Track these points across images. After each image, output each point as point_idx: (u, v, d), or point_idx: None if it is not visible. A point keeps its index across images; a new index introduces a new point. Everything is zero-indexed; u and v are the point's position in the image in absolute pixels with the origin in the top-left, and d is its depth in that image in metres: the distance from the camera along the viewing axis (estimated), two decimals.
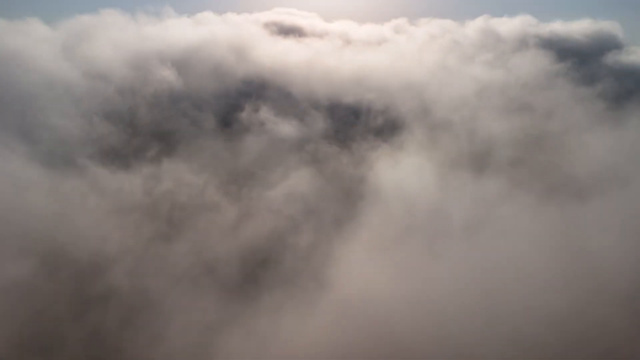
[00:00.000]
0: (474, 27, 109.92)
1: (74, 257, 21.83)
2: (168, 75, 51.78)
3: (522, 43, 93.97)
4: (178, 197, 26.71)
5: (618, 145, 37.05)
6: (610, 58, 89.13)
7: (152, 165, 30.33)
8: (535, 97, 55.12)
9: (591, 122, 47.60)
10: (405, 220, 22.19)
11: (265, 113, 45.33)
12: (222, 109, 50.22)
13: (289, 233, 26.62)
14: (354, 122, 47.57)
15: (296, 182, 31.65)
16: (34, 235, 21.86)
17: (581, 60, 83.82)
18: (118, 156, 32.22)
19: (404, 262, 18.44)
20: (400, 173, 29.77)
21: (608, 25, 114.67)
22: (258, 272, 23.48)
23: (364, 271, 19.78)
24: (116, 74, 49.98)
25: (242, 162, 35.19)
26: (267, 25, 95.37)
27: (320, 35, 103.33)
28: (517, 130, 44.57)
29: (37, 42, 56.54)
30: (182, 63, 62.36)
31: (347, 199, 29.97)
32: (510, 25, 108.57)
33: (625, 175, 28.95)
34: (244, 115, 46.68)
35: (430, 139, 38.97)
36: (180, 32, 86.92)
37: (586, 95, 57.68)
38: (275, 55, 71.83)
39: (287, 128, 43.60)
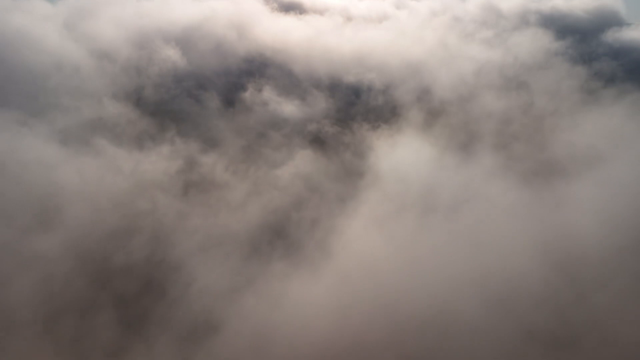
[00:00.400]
0: (475, 2, 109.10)
1: (99, 230, 23.98)
2: (172, 54, 52.77)
3: (523, 20, 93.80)
4: (190, 175, 28.67)
5: (608, 125, 38.74)
6: (610, 35, 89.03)
7: (164, 144, 32.14)
8: (533, 76, 56.34)
9: (585, 102, 49.15)
10: (401, 197, 24.26)
11: (268, 93, 46.70)
12: (225, 88, 51.53)
13: (294, 208, 28.75)
14: (354, 102, 49.05)
15: (300, 161, 33.62)
16: (61, 210, 23.90)
17: (581, 37, 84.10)
18: (130, 136, 33.98)
19: (399, 234, 20.58)
20: (397, 153, 31.70)
21: (610, 1, 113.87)
22: (267, 244, 25.67)
23: (363, 242, 21.97)
24: (121, 53, 51.09)
25: (247, 141, 36.98)
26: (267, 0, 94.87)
27: (321, 11, 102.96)
28: (513, 109, 46.24)
29: (41, 21, 57.18)
30: (184, 41, 62.99)
31: (348, 177, 31.97)
32: (512, 1, 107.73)
33: (611, 154, 30.79)
34: (248, 95, 48.06)
35: (427, 119, 40.71)
36: (180, 8, 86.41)
37: (581, 74, 58.84)
38: (277, 32, 72.04)
39: (289, 108, 45.14)
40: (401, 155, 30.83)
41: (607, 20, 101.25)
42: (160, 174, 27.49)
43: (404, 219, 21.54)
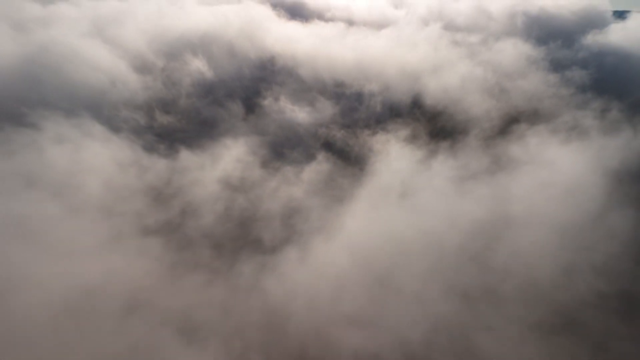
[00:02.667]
0: (467, 3, 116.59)
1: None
2: (201, 65, 62.01)
3: (511, 22, 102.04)
4: (234, 172, 38.23)
5: (564, 129, 48.08)
6: (591, 38, 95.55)
7: (211, 147, 41.63)
8: (511, 83, 65.53)
9: (553, 108, 58.39)
10: (393, 189, 33.87)
11: (284, 102, 56.06)
12: (245, 96, 60.91)
13: (308, 198, 38.42)
14: (357, 108, 58.53)
15: (315, 160, 43.36)
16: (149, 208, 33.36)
17: (564, 41, 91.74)
18: (181, 141, 43.55)
19: (387, 216, 30.08)
20: (391, 155, 41.35)
21: (597, 1, 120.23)
22: (289, 226, 35.22)
23: (362, 223, 31.55)
24: (157, 65, 60.49)
25: (271, 144, 46.58)
26: (274, 5, 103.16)
27: (325, 17, 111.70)
28: (491, 112, 55.66)
29: (74, 30, 66.05)
30: (206, 51, 72.15)
31: (353, 174, 41.63)
32: (501, 3, 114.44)
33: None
34: (267, 102, 57.44)
35: (415, 124, 50.37)
36: (195, 14, 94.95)
37: (556, 81, 67.95)
38: (286, 40, 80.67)
39: (302, 115, 54.58)
40: (393, 157, 40.51)
41: (592, 22, 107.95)
42: (218, 171, 36.88)
43: (393, 206, 31.04)
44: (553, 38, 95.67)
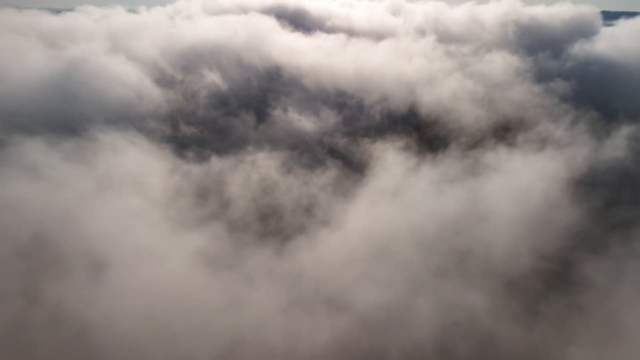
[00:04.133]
0: (461, 14, 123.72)
1: None
2: (215, 78, 69.61)
3: (503, 32, 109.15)
4: (254, 174, 45.91)
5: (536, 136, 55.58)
6: (578, 47, 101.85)
7: (234, 154, 49.35)
8: (499, 94, 73.11)
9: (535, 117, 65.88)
10: (388, 190, 41.44)
11: (292, 112, 63.62)
12: (256, 106, 68.52)
13: (316, 196, 45.97)
14: (358, 118, 66.18)
15: (322, 165, 50.96)
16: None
17: (552, 51, 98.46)
18: (206, 148, 51.17)
19: (384, 213, 37.56)
20: (388, 162, 48.95)
21: (587, 10, 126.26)
22: (303, 218, 42.57)
23: (361, 219, 39.01)
24: (177, 78, 68.15)
25: (284, 150, 54.16)
26: (278, 16, 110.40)
27: (325, 24, 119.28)
28: (476, 123, 63.26)
29: (98, 45, 73.64)
30: (216, 61, 79.74)
31: (355, 178, 49.18)
32: (494, 12, 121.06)
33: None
34: (276, 113, 65.03)
35: (412, 134, 58.08)
36: (204, 26, 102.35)
37: (540, 91, 75.48)
38: (291, 51, 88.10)
39: (309, 124, 62.17)
40: (390, 163, 48.15)
41: (582, 30, 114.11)
42: (241, 175, 44.64)
43: (385, 203, 38.53)
44: (542, 48, 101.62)
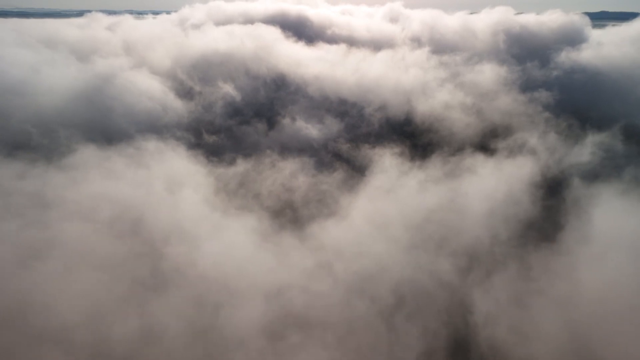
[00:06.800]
0: (454, 22, 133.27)
1: None
2: (230, 90, 79.60)
3: (494, 41, 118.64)
4: (274, 175, 55.96)
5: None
6: (564, 56, 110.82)
7: (255, 157, 59.50)
8: (487, 103, 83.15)
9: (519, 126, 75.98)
10: (383, 189, 51.44)
11: (299, 121, 73.60)
12: (267, 115, 78.52)
13: (325, 192, 55.89)
14: (359, 125, 76.27)
15: (330, 167, 61.04)
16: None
17: (540, 60, 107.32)
18: (230, 153, 61.19)
19: (380, 208, 47.50)
20: (385, 165, 58.99)
21: (576, 18, 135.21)
22: (315, 210, 52.20)
23: (362, 212, 48.88)
24: (195, 89, 78.20)
25: (296, 153, 64.12)
26: (282, 27, 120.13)
27: (326, 32, 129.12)
28: (463, 131, 73.38)
29: (123, 60, 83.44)
30: (228, 72, 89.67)
31: (357, 178, 59.13)
32: (486, 21, 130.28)
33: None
34: (285, 121, 75.01)
35: (406, 141, 68.29)
36: (212, 37, 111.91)
37: (525, 100, 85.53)
38: (295, 61, 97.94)
39: (315, 131, 72.17)
40: (386, 166, 58.26)
41: (570, 38, 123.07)
42: (266, 179, 54.67)
43: (381, 199, 48.53)
44: (531, 57, 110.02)
